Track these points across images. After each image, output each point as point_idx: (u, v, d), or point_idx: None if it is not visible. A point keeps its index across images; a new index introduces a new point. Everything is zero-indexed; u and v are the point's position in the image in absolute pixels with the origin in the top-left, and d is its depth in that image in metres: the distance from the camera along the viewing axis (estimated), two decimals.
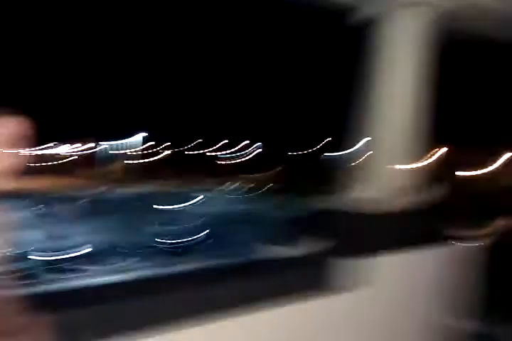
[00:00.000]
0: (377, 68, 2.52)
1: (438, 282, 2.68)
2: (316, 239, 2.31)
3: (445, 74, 2.64)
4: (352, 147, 2.64)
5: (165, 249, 2.66)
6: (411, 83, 2.52)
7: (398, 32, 2.49)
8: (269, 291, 1.88)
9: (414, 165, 2.65)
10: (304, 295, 1.98)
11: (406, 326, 2.51)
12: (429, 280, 2.63)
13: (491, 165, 4.18)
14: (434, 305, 2.67)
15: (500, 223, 3.43)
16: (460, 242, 3.03)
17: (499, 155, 4.15)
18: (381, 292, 2.31)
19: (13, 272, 1.20)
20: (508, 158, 4.33)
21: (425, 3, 2.48)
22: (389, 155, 2.56)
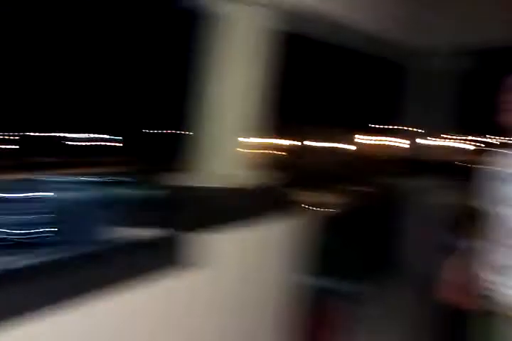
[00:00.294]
0: (217, 61, 2.59)
1: (288, 247, 2.88)
2: (167, 217, 2.33)
3: (283, 69, 2.81)
4: (197, 127, 2.67)
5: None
6: (249, 75, 2.62)
7: (239, 28, 2.57)
8: (116, 276, 1.86)
9: (261, 140, 2.80)
10: (154, 276, 1.99)
11: (260, 293, 2.68)
12: (279, 246, 2.81)
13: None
14: (286, 268, 2.88)
15: (346, 189, 3.82)
16: (308, 209, 3.30)
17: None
18: (233, 264, 2.43)
19: None
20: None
21: (265, 4, 2.60)
22: (231, 132, 2.64)
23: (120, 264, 1.93)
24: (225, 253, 2.38)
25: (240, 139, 2.67)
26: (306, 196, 3.47)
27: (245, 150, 2.71)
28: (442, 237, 6.10)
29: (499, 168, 1.96)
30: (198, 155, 2.65)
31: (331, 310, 3.22)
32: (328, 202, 3.92)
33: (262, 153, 2.88)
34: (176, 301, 2.16)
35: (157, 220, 2.34)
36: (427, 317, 3.75)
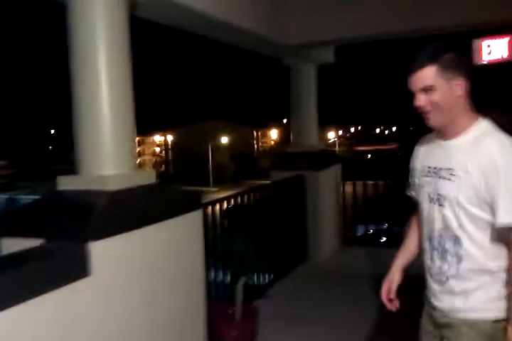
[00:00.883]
0: (75, 57, 2.41)
1: (187, 244, 2.81)
2: (55, 223, 2.17)
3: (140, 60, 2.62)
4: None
5: None
6: (108, 66, 2.44)
7: (91, 13, 2.38)
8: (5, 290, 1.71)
9: (146, 138, 2.69)
10: (48, 287, 1.86)
11: (162, 292, 2.58)
12: (178, 244, 2.72)
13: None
14: (188, 264, 2.81)
15: (243, 183, 3.84)
16: (205, 205, 3.25)
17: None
18: (126, 268, 2.32)
19: None
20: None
21: None
22: (110, 131, 2.44)
23: (9, 278, 1.77)
24: (118, 257, 2.27)
25: (122, 138, 2.55)
26: (201, 192, 3.43)
27: (129, 150, 2.60)
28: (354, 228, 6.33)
29: (423, 162, 1.82)
30: (80, 157, 2.50)
31: (235, 304, 3.21)
32: (225, 197, 3.91)
33: (147, 151, 2.80)
34: (72, 312, 2.02)
35: (42, 229, 2.17)
36: (340, 310, 3.80)
